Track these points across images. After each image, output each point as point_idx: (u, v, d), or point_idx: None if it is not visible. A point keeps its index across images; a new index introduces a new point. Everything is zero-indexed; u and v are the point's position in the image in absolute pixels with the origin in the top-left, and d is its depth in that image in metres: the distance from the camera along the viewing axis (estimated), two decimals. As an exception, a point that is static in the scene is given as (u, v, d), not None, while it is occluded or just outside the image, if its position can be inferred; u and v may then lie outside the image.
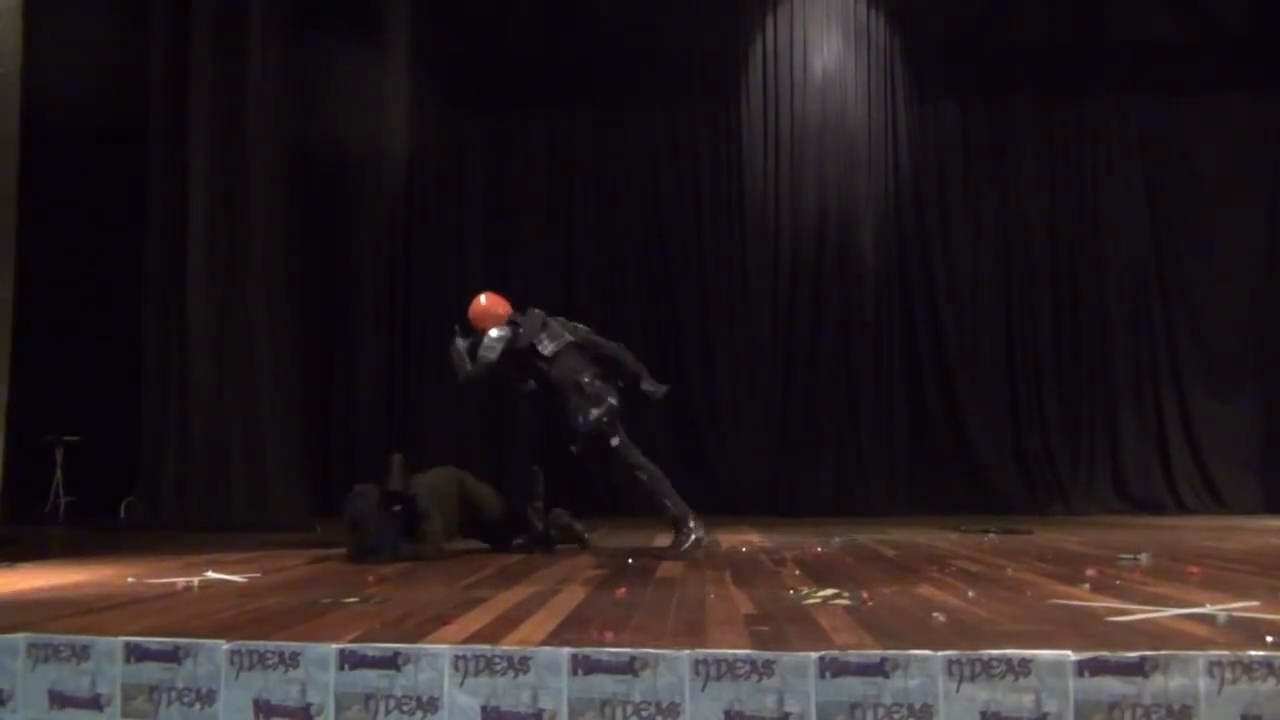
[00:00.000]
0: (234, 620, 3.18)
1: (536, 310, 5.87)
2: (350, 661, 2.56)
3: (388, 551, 5.05)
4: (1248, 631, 2.80)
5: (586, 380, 5.55)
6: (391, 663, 2.54)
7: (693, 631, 2.94)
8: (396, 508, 5.19)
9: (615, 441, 5.48)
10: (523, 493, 5.76)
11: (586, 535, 5.96)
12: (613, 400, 5.54)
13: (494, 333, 5.72)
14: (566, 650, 2.51)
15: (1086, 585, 3.95)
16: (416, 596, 3.75)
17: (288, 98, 8.44)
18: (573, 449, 5.56)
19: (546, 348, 5.67)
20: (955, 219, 10.38)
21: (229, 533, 7.09)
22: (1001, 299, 10.29)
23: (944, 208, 10.39)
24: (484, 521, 5.67)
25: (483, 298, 5.92)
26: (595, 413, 5.45)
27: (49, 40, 7.00)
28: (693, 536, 5.38)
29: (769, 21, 10.53)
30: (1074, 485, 9.95)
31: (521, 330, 5.74)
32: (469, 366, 5.74)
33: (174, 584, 4.17)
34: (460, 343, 5.79)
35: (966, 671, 2.40)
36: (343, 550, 5.36)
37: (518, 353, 5.71)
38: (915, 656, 2.42)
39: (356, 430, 10.11)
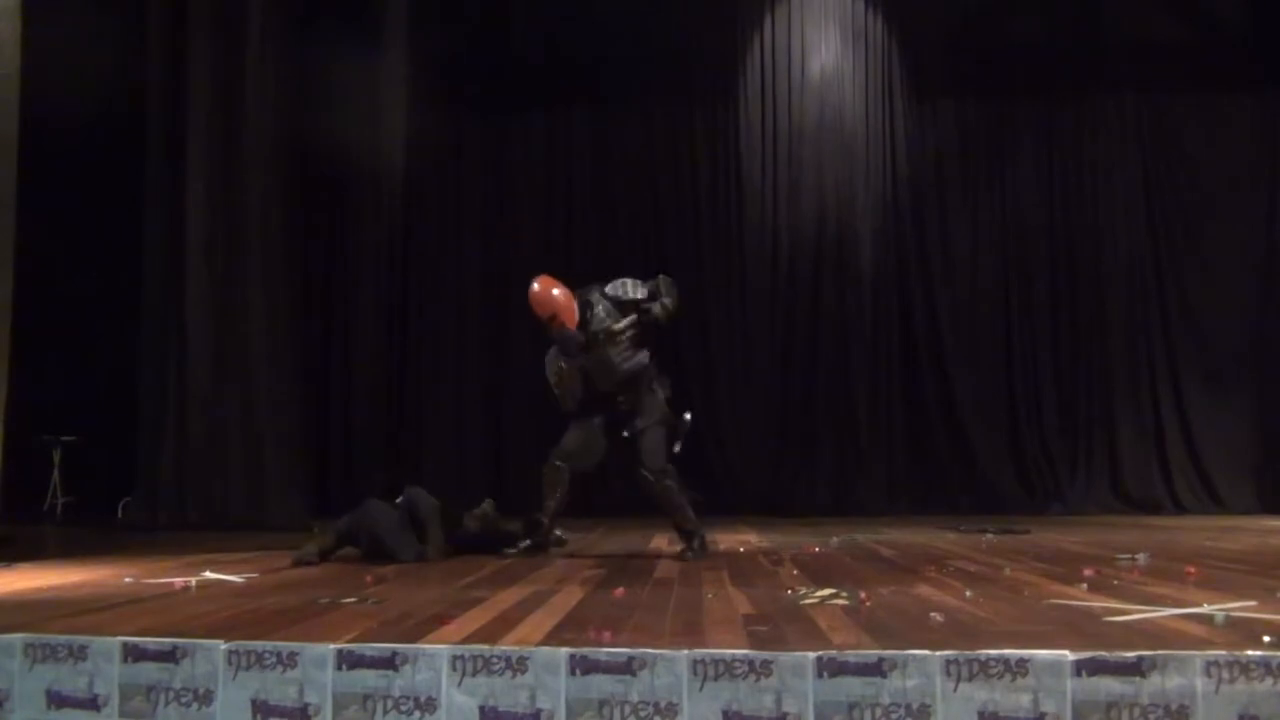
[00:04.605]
0: (232, 620, 3.18)
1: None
2: (348, 661, 2.56)
3: (406, 554, 5.03)
4: (1245, 631, 2.81)
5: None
6: (389, 663, 2.54)
7: (691, 631, 2.95)
8: (399, 500, 5.21)
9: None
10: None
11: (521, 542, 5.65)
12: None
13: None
14: (565, 650, 2.51)
15: (1084, 585, 3.95)
16: (414, 596, 3.75)
17: (287, 98, 8.43)
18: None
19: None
20: (953, 219, 10.39)
21: (227, 533, 7.09)
22: (999, 299, 10.29)
23: (942, 207, 10.39)
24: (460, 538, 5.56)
25: (537, 288, 5.43)
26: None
27: (48, 41, 6.99)
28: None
29: (767, 21, 10.53)
30: (1072, 485, 9.95)
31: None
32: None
33: (172, 584, 4.17)
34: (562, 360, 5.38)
35: (964, 671, 2.40)
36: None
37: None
38: (913, 656, 2.43)
39: (354, 431, 10.12)
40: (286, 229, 8.43)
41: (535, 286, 5.46)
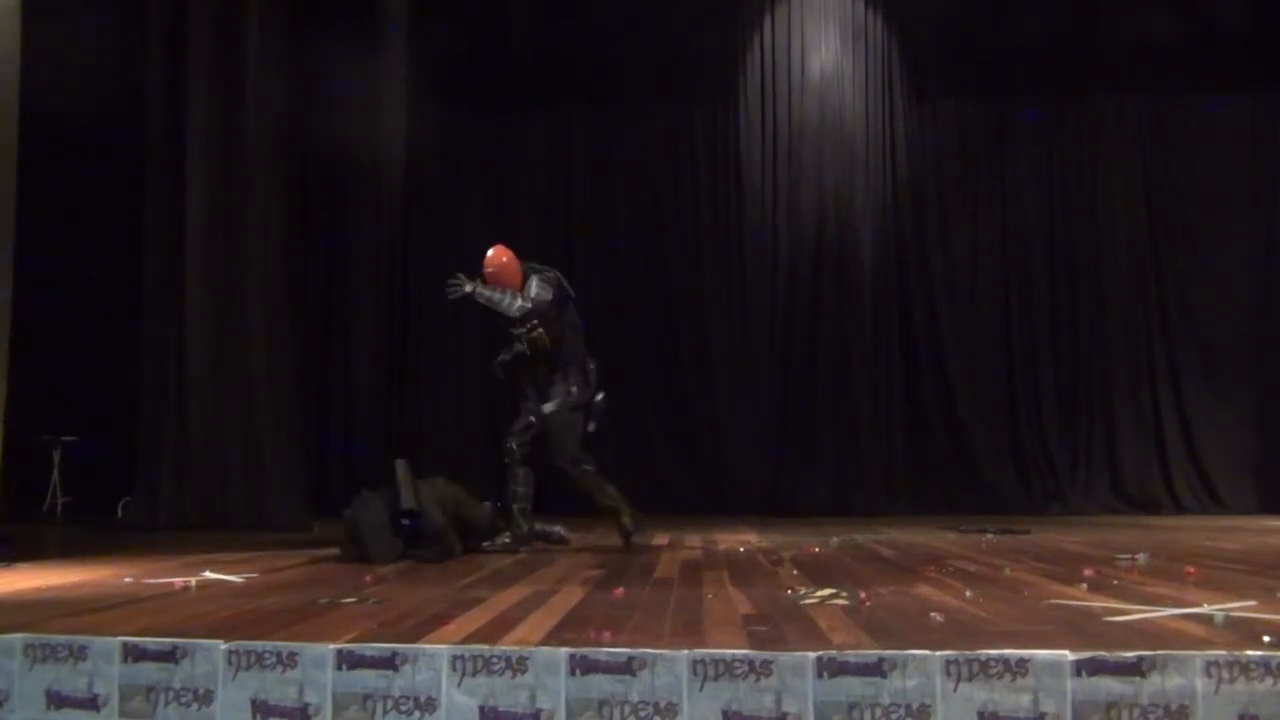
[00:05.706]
0: (231, 620, 3.18)
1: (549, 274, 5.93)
2: (348, 662, 2.56)
3: (385, 561, 4.99)
4: (1245, 631, 2.81)
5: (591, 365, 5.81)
6: (389, 663, 2.54)
7: (691, 631, 2.95)
8: (405, 522, 5.19)
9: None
10: (509, 492, 5.75)
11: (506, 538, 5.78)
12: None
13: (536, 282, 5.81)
14: (564, 650, 2.51)
15: (1084, 585, 3.95)
16: (414, 597, 3.75)
17: (286, 97, 8.43)
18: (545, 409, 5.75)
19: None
20: (953, 219, 10.38)
21: (226, 533, 7.09)
22: (999, 299, 10.29)
23: (942, 208, 10.39)
24: (468, 529, 5.61)
25: (492, 253, 5.92)
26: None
27: (48, 41, 6.99)
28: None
29: (767, 21, 10.53)
30: (1072, 485, 9.95)
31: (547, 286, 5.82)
32: (519, 301, 5.70)
33: (171, 584, 4.17)
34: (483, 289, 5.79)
35: (964, 671, 2.40)
36: (335, 551, 5.35)
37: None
38: (913, 656, 2.43)
39: (354, 431, 10.11)
40: (286, 229, 8.43)
41: (490, 254, 5.91)
